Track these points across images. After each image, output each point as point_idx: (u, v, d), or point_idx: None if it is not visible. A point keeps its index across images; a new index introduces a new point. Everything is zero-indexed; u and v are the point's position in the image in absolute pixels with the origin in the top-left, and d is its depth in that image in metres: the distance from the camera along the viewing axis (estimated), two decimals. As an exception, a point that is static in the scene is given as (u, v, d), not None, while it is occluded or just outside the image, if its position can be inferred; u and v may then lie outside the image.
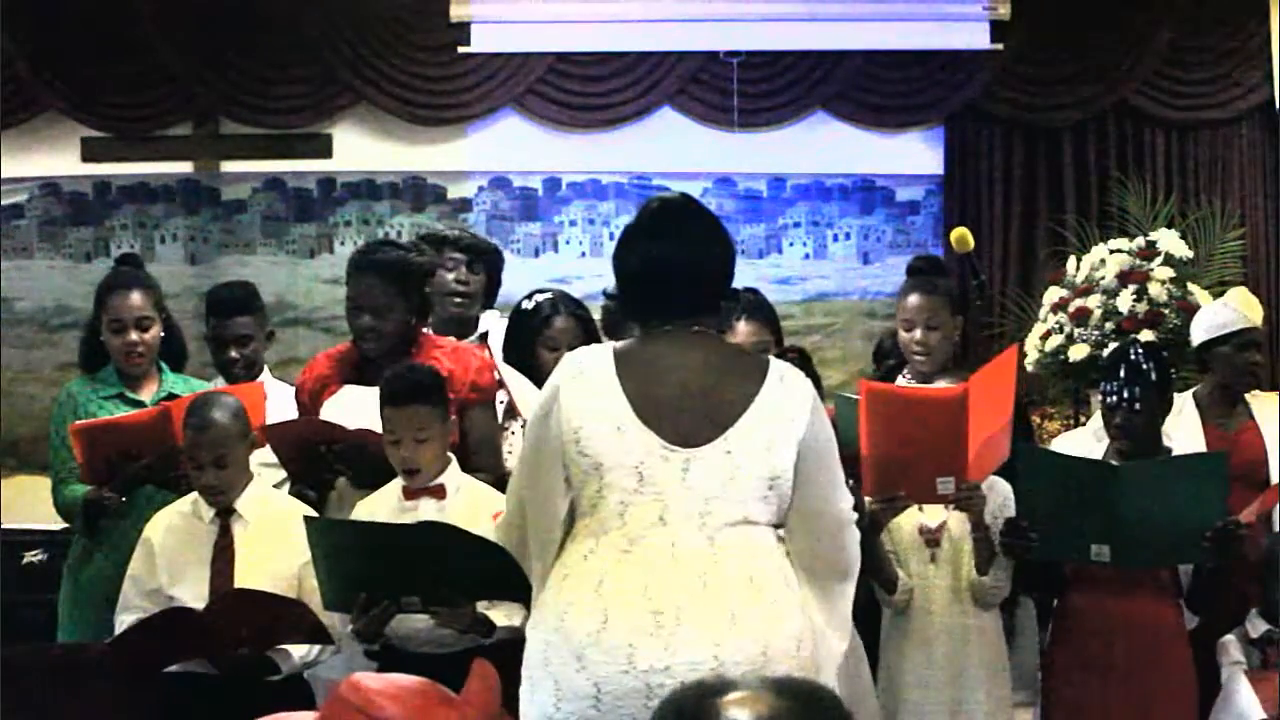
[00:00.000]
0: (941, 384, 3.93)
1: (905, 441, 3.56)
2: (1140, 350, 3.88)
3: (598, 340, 4.68)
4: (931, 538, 3.83)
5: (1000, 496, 3.79)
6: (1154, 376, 3.81)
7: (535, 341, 4.38)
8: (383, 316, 3.94)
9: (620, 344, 2.87)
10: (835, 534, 2.85)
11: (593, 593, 2.69)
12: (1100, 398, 3.90)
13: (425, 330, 4.10)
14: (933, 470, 3.60)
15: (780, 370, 2.81)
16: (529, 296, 4.53)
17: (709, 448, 2.71)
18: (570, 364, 2.82)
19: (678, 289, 2.81)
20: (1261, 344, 4.53)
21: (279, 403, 4.34)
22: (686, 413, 2.72)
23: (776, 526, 2.80)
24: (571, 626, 2.68)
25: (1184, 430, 4.23)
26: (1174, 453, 3.93)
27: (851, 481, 3.77)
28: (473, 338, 4.56)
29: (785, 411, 2.75)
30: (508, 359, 4.35)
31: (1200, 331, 4.63)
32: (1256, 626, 3.87)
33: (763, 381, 2.76)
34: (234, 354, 4.59)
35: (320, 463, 3.85)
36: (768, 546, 2.76)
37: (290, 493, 3.96)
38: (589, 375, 2.77)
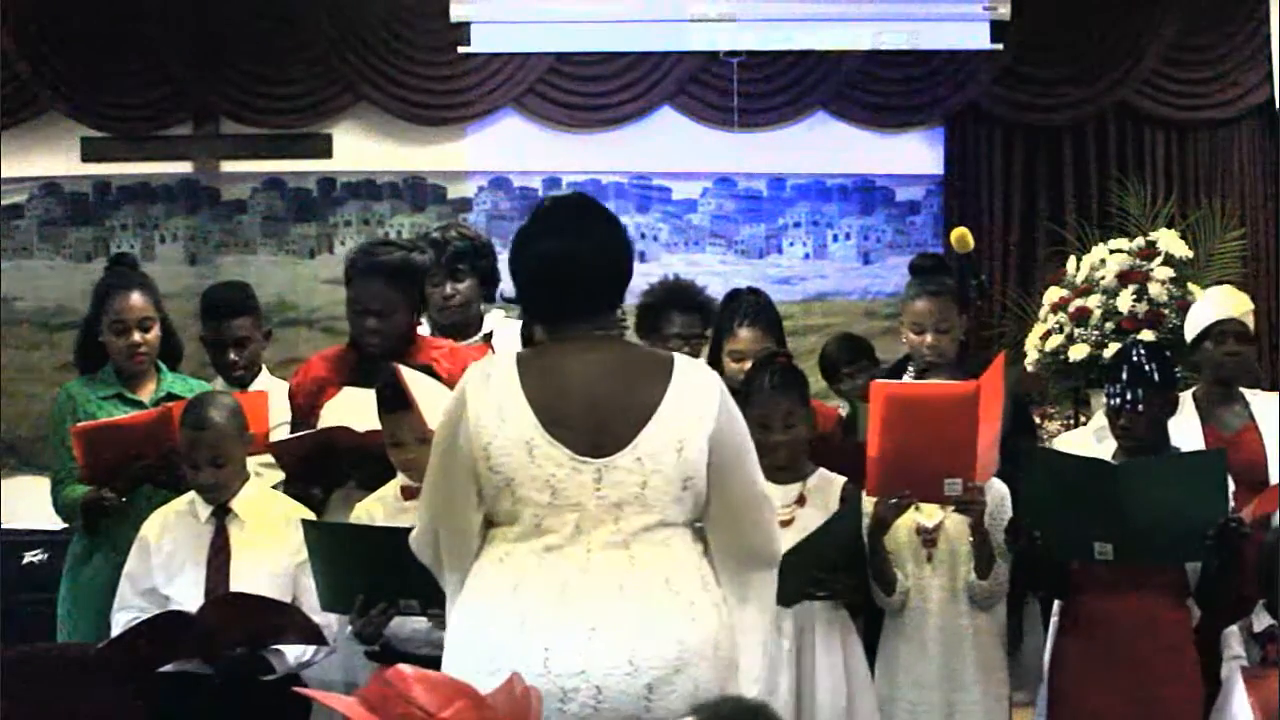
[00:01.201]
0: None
1: (916, 441, 3.56)
2: (1143, 351, 3.87)
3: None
4: (928, 538, 3.83)
5: (997, 497, 3.79)
6: (1157, 377, 3.81)
7: None
8: (387, 318, 3.94)
9: (524, 351, 2.86)
10: (757, 519, 2.82)
11: (509, 597, 2.68)
12: (1104, 400, 3.89)
13: (421, 331, 4.10)
14: (942, 469, 3.60)
15: (685, 368, 2.77)
16: None
17: (619, 456, 2.68)
18: (475, 374, 2.77)
19: (573, 289, 2.77)
20: (1241, 333, 4.51)
21: (280, 402, 4.33)
22: (595, 423, 2.69)
23: (696, 521, 2.78)
24: (487, 630, 2.68)
25: (1183, 430, 4.22)
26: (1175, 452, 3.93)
27: (853, 485, 3.81)
28: (476, 338, 4.55)
29: (694, 410, 2.72)
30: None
31: (1188, 333, 4.65)
32: (1260, 620, 3.87)
33: (668, 382, 2.72)
34: (232, 356, 4.59)
35: (332, 468, 3.84)
36: (684, 548, 2.74)
37: (289, 492, 3.96)
38: (495, 387, 2.72)
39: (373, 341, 3.95)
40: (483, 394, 2.72)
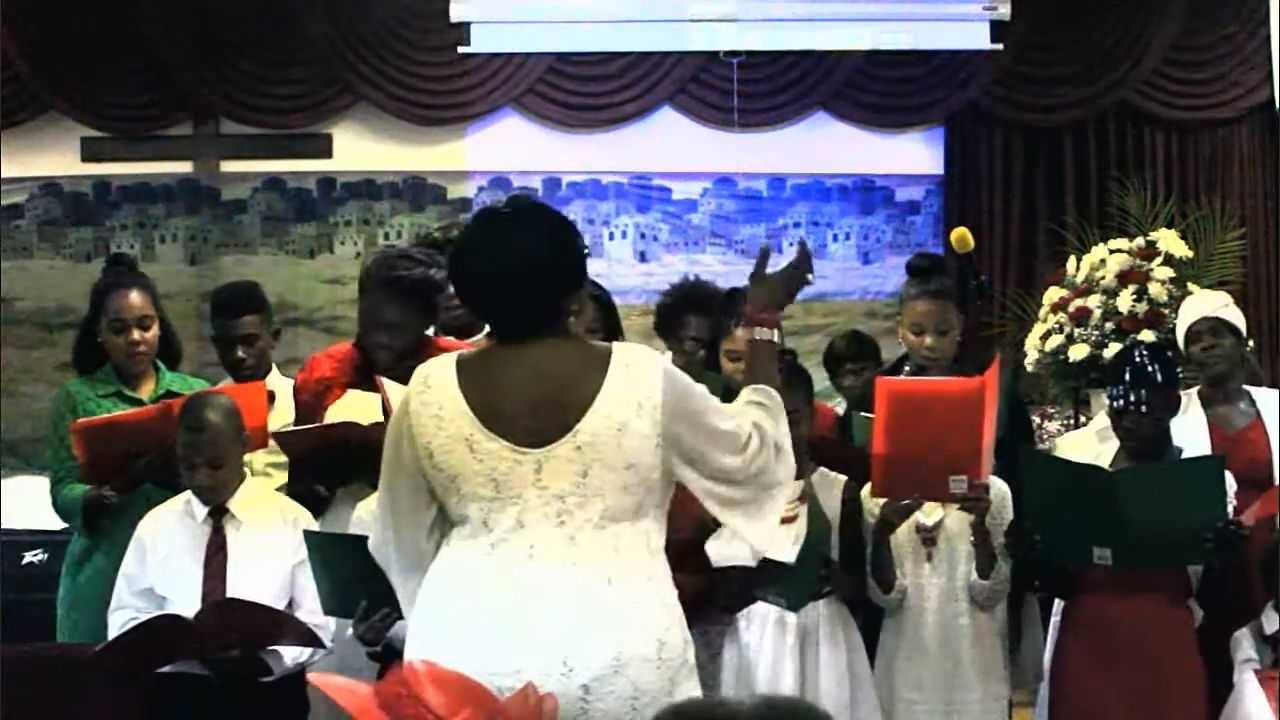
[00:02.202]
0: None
1: (923, 437, 3.55)
2: (1145, 352, 3.86)
3: (617, 323, 4.68)
4: (928, 536, 3.82)
5: (999, 497, 3.79)
6: (1160, 377, 3.80)
7: None
8: (399, 334, 3.94)
9: (464, 353, 2.85)
10: (742, 460, 2.77)
11: (455, 596, 2.69)
12: (1107, 400, 3.88)
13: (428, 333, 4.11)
14: (947, 466, 3.59)
15: (625, 357, 2.75)
16: None
17: (558, 445, 2.67)
18: (417, 378, 2.79)
19: (507, 300, 2.76)
20: (1214, 328, 4.52)
21: (287, 400, 4.33)
22: (533, 414, 2.69)
23: (655, 517, 2.75)
24: (431, 630, 2.69)
25: (1189, 428, 4.21)
26: (1182, 453, 3.92)
27: (854, 482, 3.81)
28: (480, 335, 4.55)
29: (633, 396, 2.69)
30: None
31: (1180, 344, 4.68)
32: (1270, 622, 3.86)
33: (606, 371, 2.71)
34: (240, 353, 4.58)
35: (338, 464, 3.84)
36: (634, 543, 2.71)
37: (292, 490, 3.96)
38: (434, 389, 2.74)
39: (382, 356, 3.95)
40: (423, 396, 2.74)
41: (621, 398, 2.69)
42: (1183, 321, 4.66)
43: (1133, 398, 3.75)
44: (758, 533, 2.84)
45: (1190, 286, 6.03)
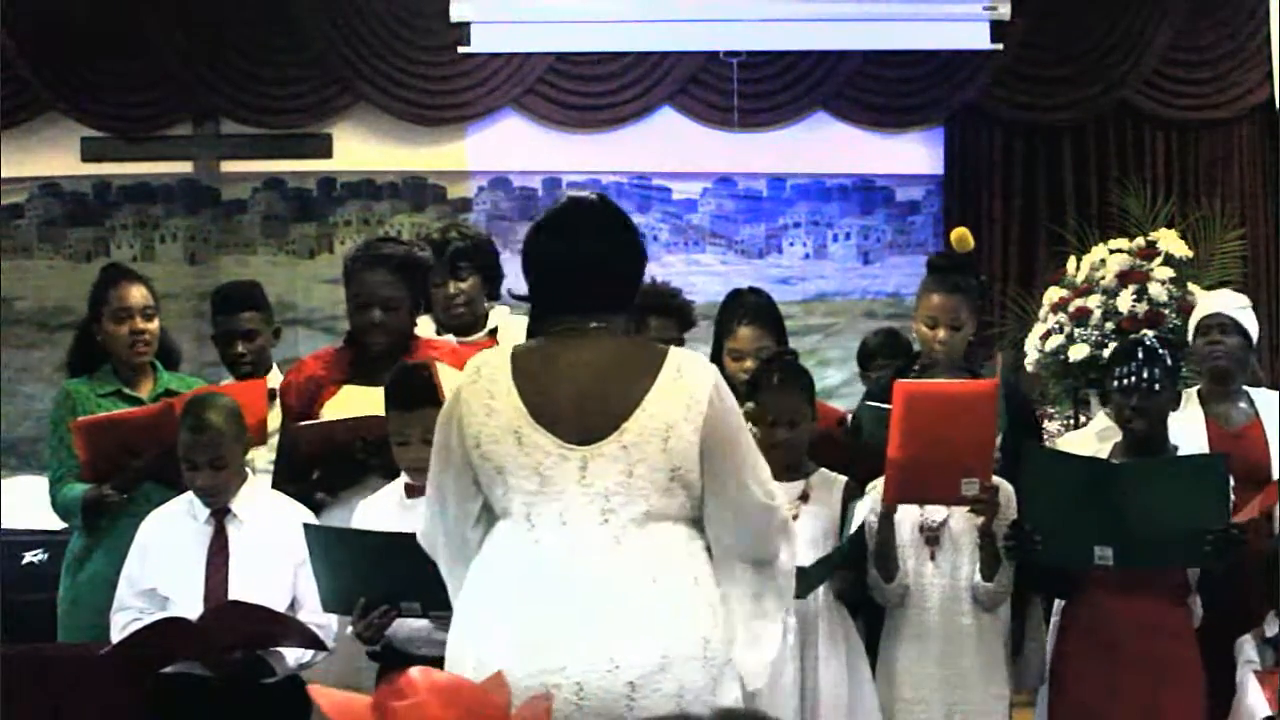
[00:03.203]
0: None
1: (939, 440, 3.56)
2: (1154, 337, 3.90)
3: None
4: (932, 535, 3.82)
5: (1004, 499, 3.79)
6: (1169, 361, 3.83)
7: None
8: (391, 311, 3.93)
9: (519, 345, 2.86)
10: (753, 520, 2.79)
11: (499, 592, 2.70)
12: (1114, 381, 3.86)
13: (423, 333, 4.10)
14: (960, 468, 3.60)
15: (678, 360, 2.77)
16: None
17: (605, 444, 2.69)
18: (470, 367, 2.83)
19: (579, 288, 2.79)
20: (1224, 325, 4.53)
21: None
22: (582, 411, 2.71)
23: (696, 521, 2.77)
24: (476, 625, 2.70)
25: (1187, 427, 4.22)
26: (1179, 450, 3.93)
27: (854, 483, 3.82)
28: (481, 334, 4.55)
29: (682, 400, 2.71)
30: None
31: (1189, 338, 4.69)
32: (1272, 625, 3.88)
33: (658, 372, 2.73)
34: (241, 349, 4.59)
35: (350, 461, 3.83)
36: (676, 544, 2.73)
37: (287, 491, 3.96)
38: (486, 379, 2.76)
39: (377, 338, 3.93)
40: (474, 387, 2.77)
41: (670, 400, 2.71)
42: (1197, 313, 4.67)
43: (1143, 375, 3.76)
44: (751, 660, 2.80)
45: (1190, 286, 6.03)
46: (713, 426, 2.72)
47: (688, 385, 2.73)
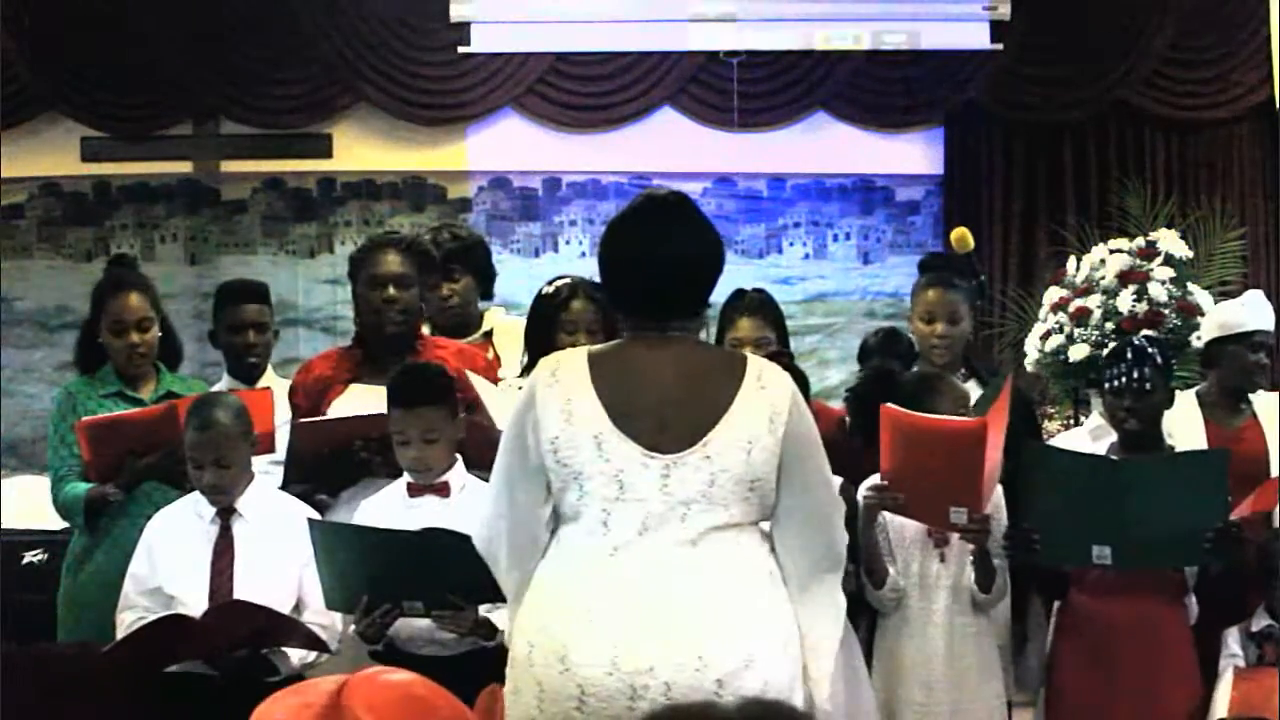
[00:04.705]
0: (954, 380, 3.93)
1: (923, 469, 3.53)
2: (1145, 337, 3.89)
3: (615, 324, 4.67)
4: (940, 537, 3.81)
5: (993, 505, 3.76)
6: (1159, 360, 3.83)
7: (554, 325, 4.35)
8: (404, 288, 3.93)
9: (596, 348, 2.85)
10: (823, 525, 2.82)
11: (577, 595, 2.69)
12: (1106, 383, 3.86)
13: (424, 331, 4.11)
14: (947, 499, 3.56)
15: (758, 369, 2.78)
16: (550, 282, 4.51)
17: (688, 453, 2.69)
18: (544, 371, 2.79)
19: (664, 285, 2.76)
20: (1271, 347, 4.51)
21: (283, 402, 4.32)
22: (664, 419, 2.70)
23: (763, 523, 2.79)
24: (556, 628, 2.68)
25: (1186, 428, 4.22)
26: (1174, 449, 3.93)
27: (842, 479, 3.81)
28: (476, 336, 4.54)
29: (764, 412, 2.72)
30: (528, 344, 4.32)
31: (1214, 328, 4.60)
32: (1258, 620, 3.87)
33: (740, 383, 2.73)
34: (252, 338, 4.58)
35: (352, 460, 3.83)
36: (752, 546, 2.75)
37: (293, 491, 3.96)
38: (564, 381, 2.74)
39: (391, 316, 3.92)
40: (552, 390, 2.74)
41: (753, 411, 2.72)
42: (1243, 319, 4.50)
43: (1135, 375, 3.76)
44: (819, 604, 2.82)
45: (1190, 286, 6.03)
46: (794, 438, 2.74)
47: (770, 396, 2.74)
